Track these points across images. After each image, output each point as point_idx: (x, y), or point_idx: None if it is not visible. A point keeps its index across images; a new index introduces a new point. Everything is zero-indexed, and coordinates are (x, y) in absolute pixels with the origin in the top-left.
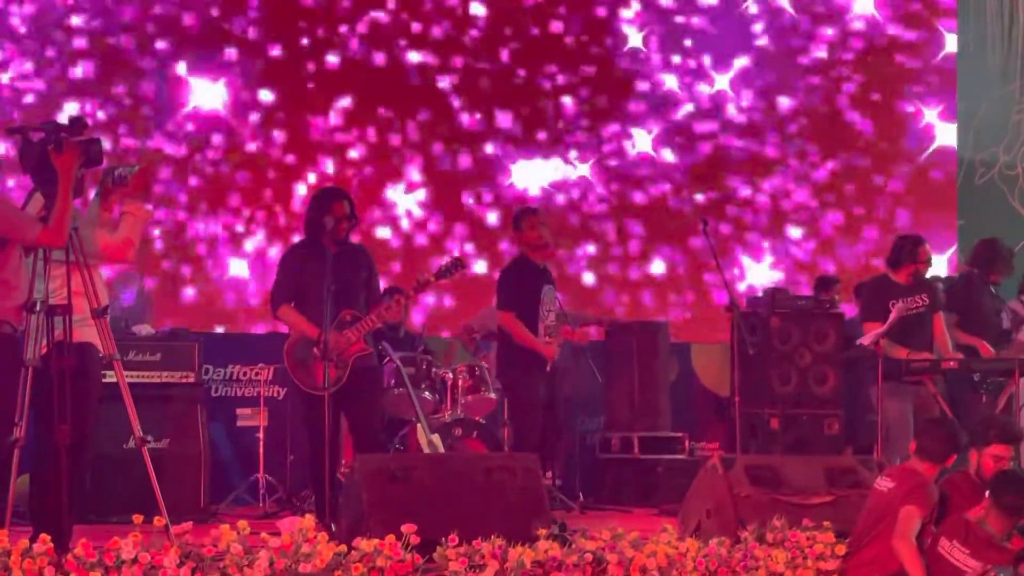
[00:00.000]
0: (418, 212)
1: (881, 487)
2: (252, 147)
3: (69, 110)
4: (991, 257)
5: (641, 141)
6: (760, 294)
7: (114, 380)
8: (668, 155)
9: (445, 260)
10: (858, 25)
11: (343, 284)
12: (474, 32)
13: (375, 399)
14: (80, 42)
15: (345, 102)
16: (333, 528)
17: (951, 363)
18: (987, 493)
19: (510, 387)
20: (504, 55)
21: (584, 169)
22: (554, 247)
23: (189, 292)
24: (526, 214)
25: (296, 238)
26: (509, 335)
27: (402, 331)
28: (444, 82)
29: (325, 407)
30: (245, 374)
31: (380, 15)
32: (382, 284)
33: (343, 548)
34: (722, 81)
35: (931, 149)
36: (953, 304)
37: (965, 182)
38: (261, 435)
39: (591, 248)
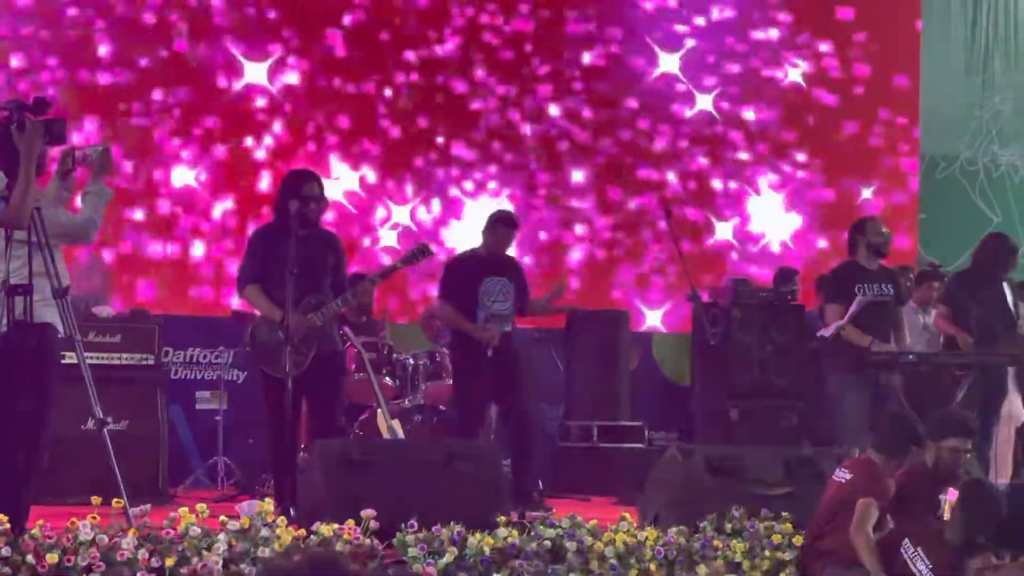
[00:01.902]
0: None
1: (839, 479)
2: None
3: None
4: (993, 252)
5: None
6: (722, 285)
7: (74, 361)
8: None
9: (411, 247)
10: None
11: (309, 268)
12: None
13: (337, 384)
14: None
15: None
16: (292, 512)
17: (910, 356)
18: (956, 502)
19: (452, 373)
20: None
21: None
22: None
23: None
24: (501, 225)
25: None
26: (449, 323)
27: (364, 316)
28: None
29: (286, 390)
30: (205, 357)
31: None
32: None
33: (302, 532)
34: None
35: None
36: (950, 298)
37: (927, 176)
38: (220, 418)
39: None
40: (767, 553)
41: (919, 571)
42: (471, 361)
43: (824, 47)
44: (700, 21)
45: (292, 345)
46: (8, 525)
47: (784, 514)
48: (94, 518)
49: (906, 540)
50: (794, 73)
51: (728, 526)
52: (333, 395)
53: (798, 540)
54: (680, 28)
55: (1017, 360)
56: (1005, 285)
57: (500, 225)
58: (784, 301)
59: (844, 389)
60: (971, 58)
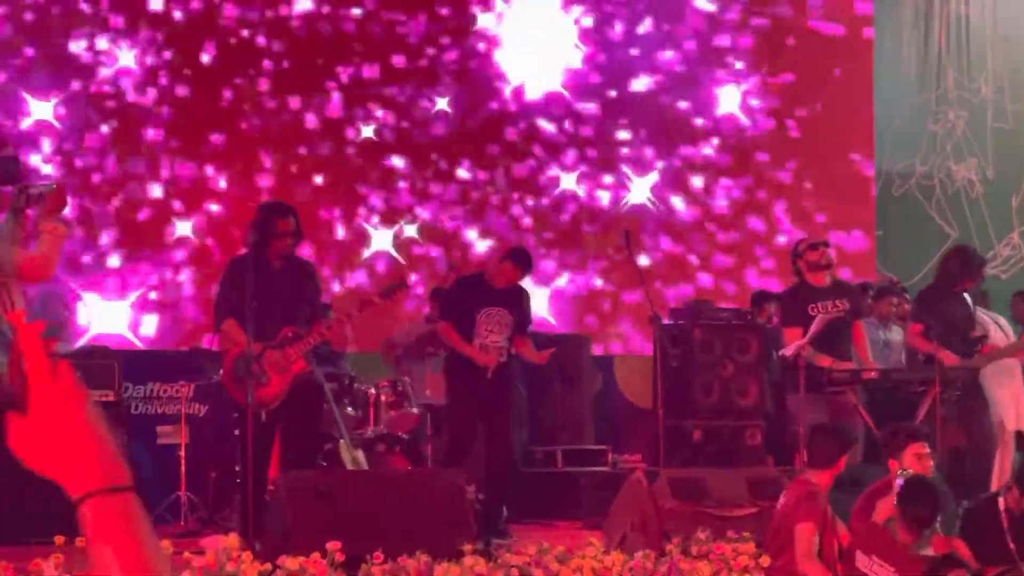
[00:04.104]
0: None
1: (780, 500)
2: None
3: None
4: (961, 265)
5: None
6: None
7: None
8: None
9: (390, 280)
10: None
11: (286, 300)
12: None
13: (313, 418)
14: None
15: None
16: (257, 547)
17: (872, 373)
18: (896, 504)
19: (447, 395)
20: None
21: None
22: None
23: None
24: (511, 262)
25: None
26: (448, 344)
27: (325, 346)
28: None
29: (249, 423)
30: (165, 391)
31: None
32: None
33: (268, 567)
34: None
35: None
36: (920, 313)
37: (883, 192)
38: (182, 452)
39: None
40: (734, 575)
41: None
42: (466, 385)
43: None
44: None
45: (268, 378)
46: None
47: (745, 534)
48: (57, 557)
49: (858, 552)
50: (744, 87)
51: (694, 549)
52: (308, 429)
53: (765, 561)
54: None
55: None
56: (967, 296)
57: (511, 262)
58: (745, 320)
59: (805, 408)
60: (924, 73)
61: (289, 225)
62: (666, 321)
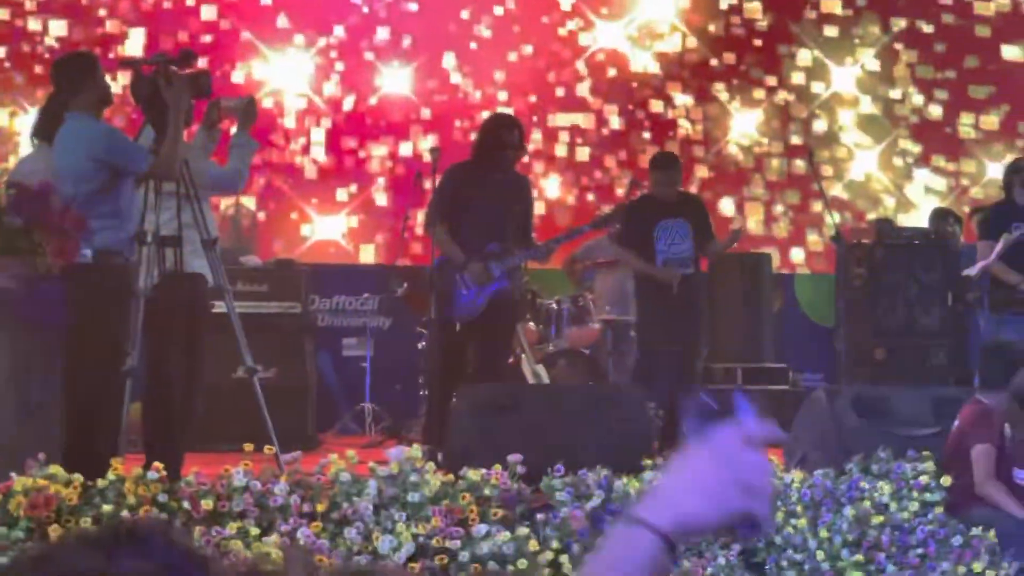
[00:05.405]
0: None
1: (955, 422)
2: None
3: None
4: None
5: None
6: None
7: (224, 310)
8: None
9: (601, 211)
10: None
11: (496, 214)
12: None
13: (505, 334)
14: None
15: None
16: (440, 458)
17: None
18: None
19: (637, 312)
20: None
21: None
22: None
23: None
24: (666, 167)
25: None
26: (631, 267)
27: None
28: None
29: (435, 335)
30: (351, 304)
31: None
32: None
33: (450, 478)
34: None
35: None
36: None
37: None
38: (367, 364)
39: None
40: (915, 495)
41: None
42: (654, 303)
43: None
44: None
45: (467, 289)
46: (164, 472)
47: (926, 453)
48: (246, 465)
49: (1015, 468)
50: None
51: (875, 468)
52: (500, 344)
53: (946, 481)
54: None
55: None
56: None
57: (654, 170)
58: (929, 239)
59: (991, 328)
60: None
61: (513, 138)
62: (849, 240)
